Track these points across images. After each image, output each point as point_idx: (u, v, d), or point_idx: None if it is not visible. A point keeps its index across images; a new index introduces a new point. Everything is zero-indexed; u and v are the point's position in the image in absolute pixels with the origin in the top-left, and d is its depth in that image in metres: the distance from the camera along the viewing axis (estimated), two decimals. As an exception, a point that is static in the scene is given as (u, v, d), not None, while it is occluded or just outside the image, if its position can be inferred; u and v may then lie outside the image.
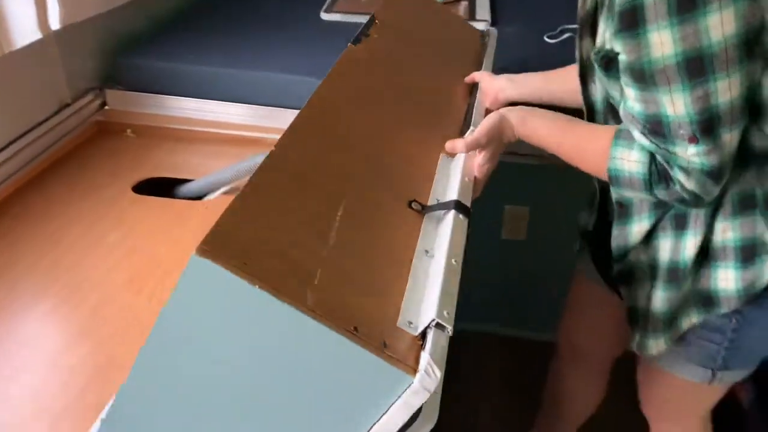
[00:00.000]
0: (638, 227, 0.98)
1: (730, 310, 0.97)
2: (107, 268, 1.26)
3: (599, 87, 0.99)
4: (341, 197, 0.87)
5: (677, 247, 0.96)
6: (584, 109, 1.07)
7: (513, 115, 1.01)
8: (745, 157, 0.87)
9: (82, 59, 1.73)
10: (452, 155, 1.08)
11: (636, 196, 0.92)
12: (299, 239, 0.76)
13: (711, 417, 1.49)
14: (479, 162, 1.02)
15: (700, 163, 0.81)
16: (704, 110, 0.76)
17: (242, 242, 0.70)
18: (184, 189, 1.55)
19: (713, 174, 0.82)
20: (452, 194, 0.97)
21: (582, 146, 0.94)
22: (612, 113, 0.98)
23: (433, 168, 1.06)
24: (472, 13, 2.16)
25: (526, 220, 1.82)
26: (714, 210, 0.92)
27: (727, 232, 0.93)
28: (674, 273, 0.98)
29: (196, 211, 1.46)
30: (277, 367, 0.69)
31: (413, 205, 0.91)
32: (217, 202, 1.49)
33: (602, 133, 0.92)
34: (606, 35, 0.84)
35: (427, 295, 0.76)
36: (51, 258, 1.28)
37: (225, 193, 1.52)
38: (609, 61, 0.87)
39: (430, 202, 0.97)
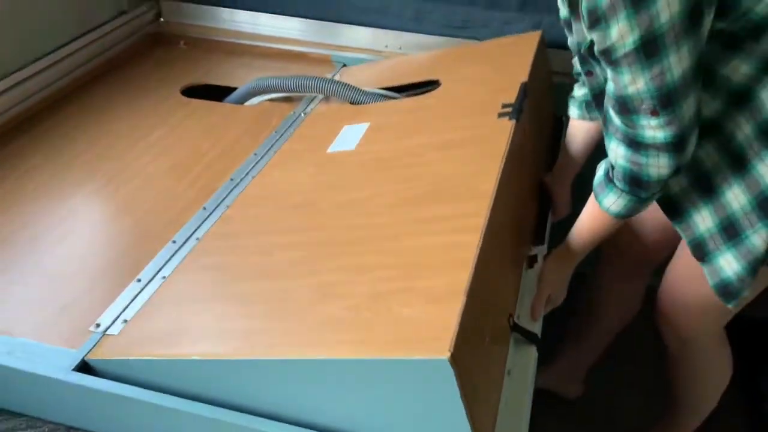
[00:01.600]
0: None
1: None
2: (151, 156, 1.34)
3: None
4: (488, 311, 0.92)
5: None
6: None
7: (549, 263, 1.17)
8: None
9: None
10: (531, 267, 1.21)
11: (651, 203, 1.02)
12: (479, 355, 0.84)
13: (743, 356, 1.49)
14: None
15: (663, 135, 0.89)
16: (662, 86, 0.85)
17: (467, 354, 0.76)
18: (229, 97, 1.61)
19: (676, 144, 0.89)
20: (533, 325, 1.12)
21: (595, 226, 1.09)
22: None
23: (518, 279, 1.16)
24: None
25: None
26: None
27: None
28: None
29: (238, 114, 1.53)
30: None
31: (510, 319, 1.02)
32: (256, 110, 1.54)
33: (590, 206, 1.08)
34: (584, 29, 0.93)
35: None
36: (101, 146, 1.37)
37: (263, 101, 1.57)
38: (592, 50, 0.95)
39: (516, 315, 1.07)
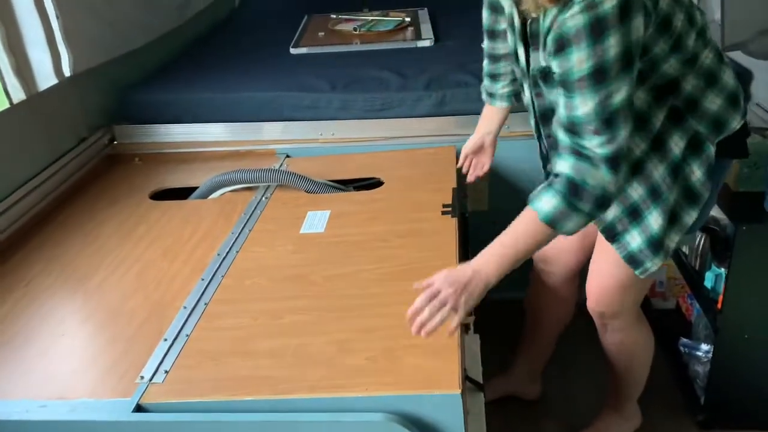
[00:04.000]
0: None
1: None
2: (143, 248, 1.52)
3: (530, 92, 1.33)
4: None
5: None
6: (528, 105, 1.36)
7: (472, 280, 1.14)
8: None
9: (93, 99, 2.02)
10: None
11: (578, 222, 1.12)
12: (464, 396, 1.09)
13: (664, 334, 1.78)
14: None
15: (602, 152, 1.09)
16: (605, 109, 1.06)
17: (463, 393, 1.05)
18: (193, 195, 1.83)
19: (612, 159, 1.09)
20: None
21: (528, 238, 1.14)
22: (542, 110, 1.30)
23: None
24: (417, 35, 2.53)
25: (485, 192, 2.11)
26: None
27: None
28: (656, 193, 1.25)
29: (205, 206, 1.74)
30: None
31: (464, 372, 1.15)
32: (221, 200, 1.77)
33: (523, 217, 1.15)
34: (542, 57, 1.16)
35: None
36: (94, 247, 1.54)
37: (225, 192, 1.79)
38: (546, 75, 1.18)
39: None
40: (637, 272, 1.33)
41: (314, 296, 1.29)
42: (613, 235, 1.33)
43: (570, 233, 1.14)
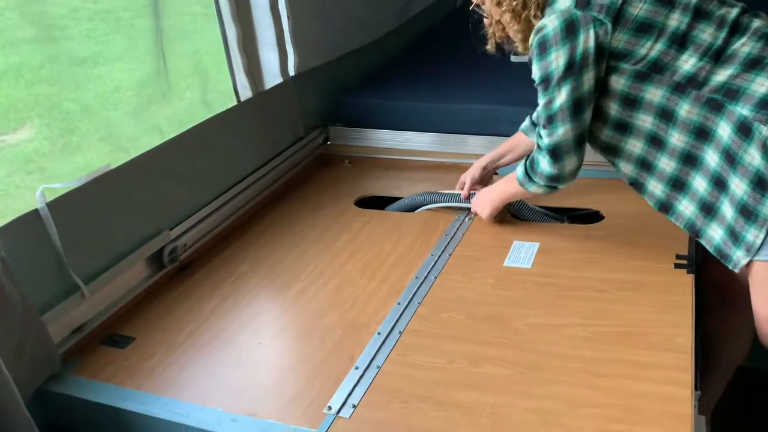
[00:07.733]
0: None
1: None
2: (343, 260, 1.50)
3: None
4: None
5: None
6: None
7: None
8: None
9: (311, 100, 2.07)
10: None
11: (536, 189, 1.41)
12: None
13: None
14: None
15: (545, 143, 1.34)
16: (548, 110, 1.32)
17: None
18: (394, 205, 1.78)
19: (551, 151, 1.34)
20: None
21: (511, 186, 1.50)
22: None
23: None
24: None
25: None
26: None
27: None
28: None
29: (409, 221, 1.68)
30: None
31: None
32: (423, 216, 1.69)
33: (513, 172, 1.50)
34: None
35: None
36: (297, 253, 1.55)
37: (427, 209, 1.72)
38: None
39: None
40: (729, 266, 1.24)
41: (516, 347, 1.17)
42: (696, 231, 1.30)
43: (535, 194, 1.45)
